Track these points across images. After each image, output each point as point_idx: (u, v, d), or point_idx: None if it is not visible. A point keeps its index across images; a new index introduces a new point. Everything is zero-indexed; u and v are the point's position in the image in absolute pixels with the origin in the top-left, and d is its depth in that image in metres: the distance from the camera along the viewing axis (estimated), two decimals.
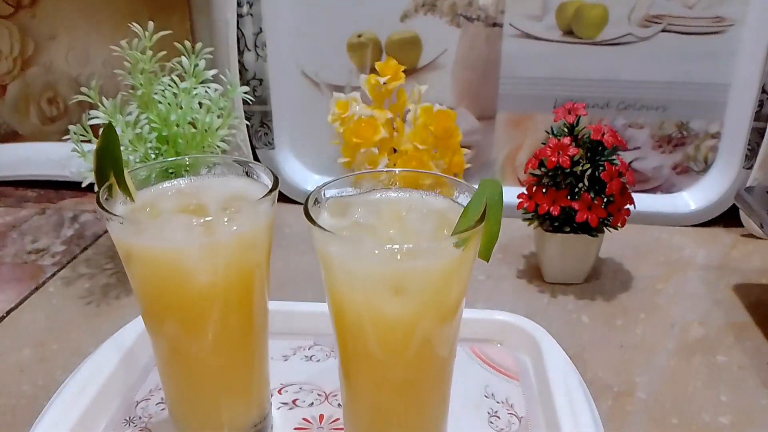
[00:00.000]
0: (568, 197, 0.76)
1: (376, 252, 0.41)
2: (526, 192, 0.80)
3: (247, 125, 0.97)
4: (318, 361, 0.65)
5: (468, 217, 0.41)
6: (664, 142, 0.98)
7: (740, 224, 0.97)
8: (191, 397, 0.52)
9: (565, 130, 0.78)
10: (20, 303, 0.79)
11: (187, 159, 0.52)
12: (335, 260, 0.43)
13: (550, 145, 0.76)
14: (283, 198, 1.06)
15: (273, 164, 1.03)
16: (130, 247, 0.45)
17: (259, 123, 1.01)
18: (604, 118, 0.97)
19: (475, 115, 1.00)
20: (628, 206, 0.78)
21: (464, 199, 0.47)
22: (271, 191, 0.47)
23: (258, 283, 0.50)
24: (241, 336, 0.51)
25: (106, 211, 0.43)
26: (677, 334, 0.73)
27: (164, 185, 0.51)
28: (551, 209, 0.76)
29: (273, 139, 1.02)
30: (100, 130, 0.47)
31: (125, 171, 0.47)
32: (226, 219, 0.45)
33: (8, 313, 0.77)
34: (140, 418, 0.58)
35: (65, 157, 0.99)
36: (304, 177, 1.06)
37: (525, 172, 0.80)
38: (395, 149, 0.80)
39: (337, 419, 0.58)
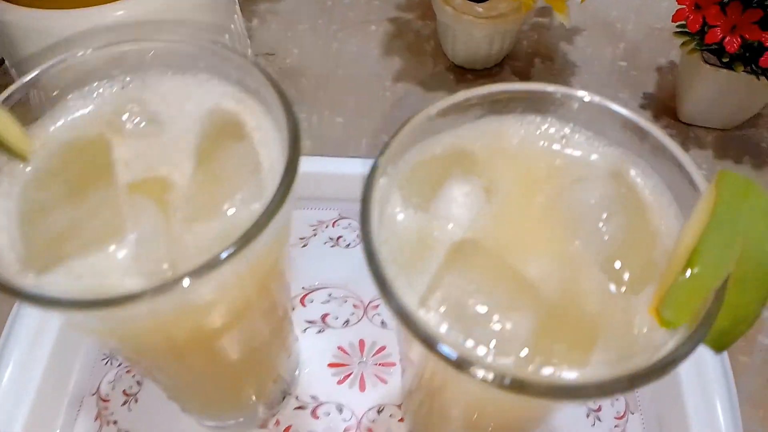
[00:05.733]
0: (759, 25, 0.49)
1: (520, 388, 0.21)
2: None
3: None
4: (348, 246, 0.48)
5: (695, 283, 0.21)
6: None
7: None
8: (212, 400, 0.39)
9: None
10: None
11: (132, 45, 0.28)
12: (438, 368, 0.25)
13: None
14: None
15: None
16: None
17: None
18: None
19: None
20: None
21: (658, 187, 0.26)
22: (289, 170, 0.25)
23: (278, 283, 0.32)
24: (263, 336, 0.35)
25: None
26: None
27: (79, 110, 0.29)
28: (727, 40, 0.50)
29: None
30: None
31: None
32: (225, 256, 0.23)
33: None
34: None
35: None
36: None
37: None
38: None
39: (383, 348, 0.43)
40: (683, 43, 0.54)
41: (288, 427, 0.40)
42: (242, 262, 0.23)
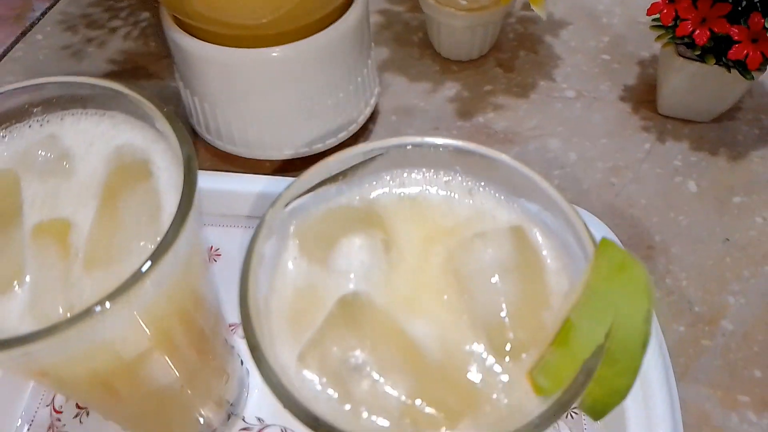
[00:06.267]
0: (728, 18, 0.50)
1: None
2: None
3: None
4: None
5: (568, 354, 0.22)
6: None
7: None
8: (150, 425, 0.39)
9: None
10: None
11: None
12: None
13: None
14: None
15: None
16: None
17: None
18: None
19: None
20: None
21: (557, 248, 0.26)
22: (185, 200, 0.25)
23: (201, 312, 0.33)
24: (200, 345, 0.35)
25: None
26: None
27: None
28: (696, 32, 0.51)
29: None
30: None
31: None
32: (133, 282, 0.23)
33: None
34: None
35: None
36: None
37: None
38: None
39: None
40: (658, 36, 0.55)
41: None
42: (140, 300, 0.24)
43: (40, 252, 0.26)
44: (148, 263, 0.23)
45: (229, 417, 0.42)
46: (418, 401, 0.22)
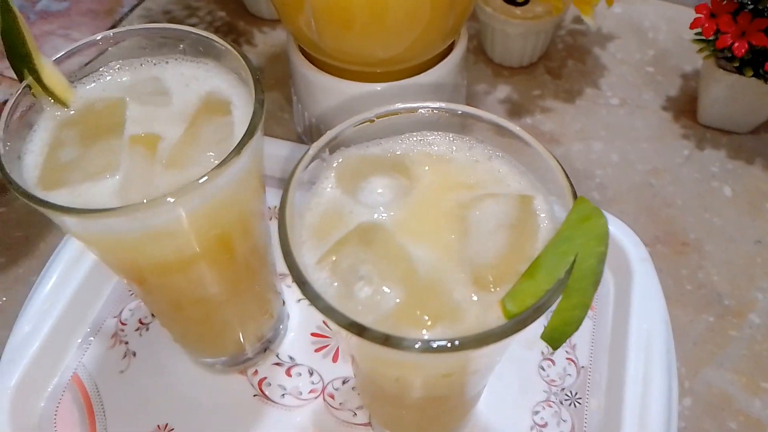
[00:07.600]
0: (766, 33, 0.54)
1: (417, 348, 0.25)
2: (710, 4, 0.57)
3: None
4: None
5: (533, 285, 0.26)
6: None
7: None
8: (196, 335, 0.46)
9: None
10: None
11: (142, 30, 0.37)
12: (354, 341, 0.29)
13: None
14: None
15: None
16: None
17: None
18: None
19: None
20: None
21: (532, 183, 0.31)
22: (252, 125, 0.32)
23: (255, 217, 0.39)
24: (246, 271, 0.41)
25: (17, 188, 0.30)
26: None
27: (114, 78, 0.37)
28: (735, 45, 0.55)
29: None
30: None
31: (40, 61, 0.33)
32: (201, 180, 0.30)
33: None
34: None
35: None
36: None
37: None
38: None
39: None
40: (700, 49, 0.59)
41: (263, 379, 0.46)
42: (198, 200, 0.31)
43: (132, 154, 0.33)
44: (205, 177, 0.30)
45: (265, 350, 0.48)
46: (405, 306, 0.27)
